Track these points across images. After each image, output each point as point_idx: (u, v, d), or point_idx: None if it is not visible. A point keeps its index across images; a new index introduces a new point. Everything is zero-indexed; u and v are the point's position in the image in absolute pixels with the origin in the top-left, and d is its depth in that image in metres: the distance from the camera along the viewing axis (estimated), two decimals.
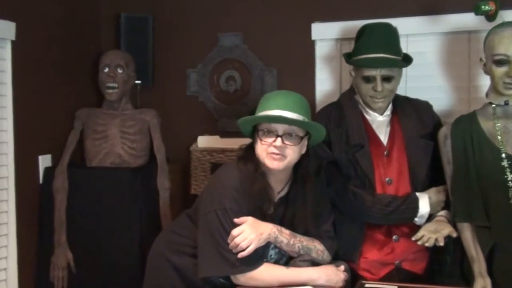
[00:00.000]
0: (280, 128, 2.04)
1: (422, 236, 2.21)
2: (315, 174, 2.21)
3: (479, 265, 2.17)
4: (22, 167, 2.86)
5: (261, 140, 2.07)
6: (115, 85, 3.11)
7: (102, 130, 3.12)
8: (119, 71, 3.13)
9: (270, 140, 2.05)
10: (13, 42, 2.78)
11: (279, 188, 2.17)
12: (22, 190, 2.87)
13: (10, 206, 2.82)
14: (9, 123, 2.80)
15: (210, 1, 3.35)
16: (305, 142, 2.12)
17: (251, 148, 2.15)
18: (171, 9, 3.43)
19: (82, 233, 2.93)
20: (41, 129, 2.99)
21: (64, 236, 2.94)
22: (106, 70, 3.13)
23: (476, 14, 2.35)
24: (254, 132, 2.13)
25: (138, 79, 3.29)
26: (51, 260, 2.94)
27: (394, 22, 2.49)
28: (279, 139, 2.03)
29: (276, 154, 2.04)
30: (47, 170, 3.01)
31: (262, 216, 2.09)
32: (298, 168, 2.16)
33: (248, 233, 2.00)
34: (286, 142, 2.04)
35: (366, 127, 2.47)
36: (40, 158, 3.00)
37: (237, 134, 3.22)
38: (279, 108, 2.04)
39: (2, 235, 2.79)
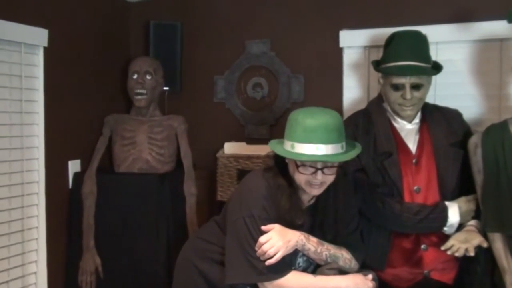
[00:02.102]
0: (320, 162, 2.00)
1: (452, 246, 2.18)
2: (345, 179, 2.21)
3: (511, 276, 2.14)
4: (52, 172, 2.91)
5: (299, 171, 2.02)
6: (144, 91, 3.15)
7: (130, 136, 3.15)
8: (148, 77, 3.16)
9: (309, 171, 2.01)
10: (45, 48, 2.84)
11: (308, 198, 2.16)
12: (52, 195, 2.91)
13: (40, 211, 2.87)
14: (40, 129, 2.86)
15: (237, 8, 3.37)
16: None
17: (280, 159, 2.12)
18: (199, 17, 3.46)
19: (110, 238, 2.96)
20: (71, 134, 3.04)
21: (92, 241, 2.97)
22: (135, 76, 3.16)
23: (509, 22, 2.31)
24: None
25: (166, 86, 3.33)
26: (80, 264, 2.98)
27: (424, 29, 2.46)
28: (319, 172, 2.00)
29: (317, 184, 2.03)
30: (76, 175, 3.05)
31: (290, 224, 2.08)
32: None
33: (276, 240, 1.99)
34: (326, 173, 2.01)
35: (395, 135, 2.45)
36: (70, 163, 3.04)
37: (264, 141, 3.24)
38: (316, 142, 1.95)
39: (32, 239, 2.84)
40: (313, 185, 2.03)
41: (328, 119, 1.99)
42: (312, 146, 1.95)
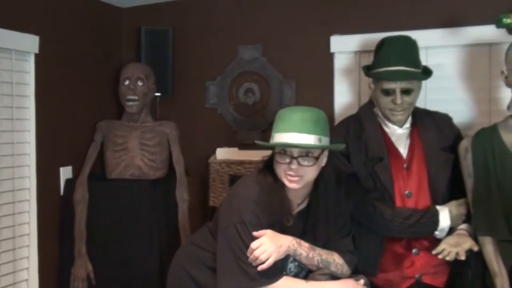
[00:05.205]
0: (295, 150, 2.03)
1: (443, 250, 2.18)
2: (337, 182, 2.21)
3: (501, 280, 2.14)
4: (43, 178, 2.90)
5: (277, 160, 2.06)
6: (135, 97, 3.14)
7: (122, 142, 3.14)
8: (139, 83, 3.16)
9: (286, 161, 2.04)
10: (36, 55, 2.83)
11: (298, 201, 2.16)
12: (44, 202, 2.90)
13: (32, 217, 2.86)
14: (32, 135, 2.85)
15: (229, 14, 3.38)
16: (323, 158, 2.10)
17: (271, 160, 2.15)
18: (190, 22, 3.46)
19: (102, 244, 2.95)
20: (62, 141, 3.03)
21: (84, 247, 2.96)
22: (127, 82, 3.16)
23: (498, 27, 2.32)
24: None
25: (157, 92, 3.32)
26: (71, 271, 2.96)
27: (414, 34, 2.48)
28: (294, 161, 2.02)
29: (293, 176, 2.04)
30: (68, 181, 3.04)
31: (281, 229, 2.08)
32: (318, 178, 2.14)
33: (268, 245, 1.99)
34: (302, 163, 2.03)
35: (386, 139, 2.45)
36: (61, 169, 3.04)
37: (256, 146, 3.24)
38: (295, 130, 2.01)
39: (23, 246, 2.83)
40: (290, 178, 2.04)
41: (306, 111, 2.06)
42: (288, 134, 2.01)
